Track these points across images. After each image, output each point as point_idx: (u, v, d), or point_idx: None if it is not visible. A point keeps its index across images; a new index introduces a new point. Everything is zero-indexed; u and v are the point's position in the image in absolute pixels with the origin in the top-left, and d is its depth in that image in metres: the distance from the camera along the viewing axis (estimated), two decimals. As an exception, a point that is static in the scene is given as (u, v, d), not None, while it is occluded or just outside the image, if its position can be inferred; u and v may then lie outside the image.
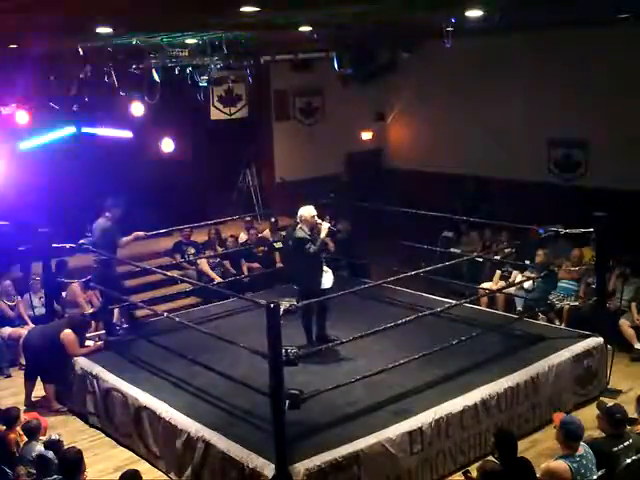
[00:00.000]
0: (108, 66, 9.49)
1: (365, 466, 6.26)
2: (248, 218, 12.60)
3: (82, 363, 8.29)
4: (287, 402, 6.19)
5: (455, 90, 13.65)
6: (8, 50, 8.51)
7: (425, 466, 6.71)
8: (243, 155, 14.47)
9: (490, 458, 5.74)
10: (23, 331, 9.48)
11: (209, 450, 6.52)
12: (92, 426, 8.06)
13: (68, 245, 9.36)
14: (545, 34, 11.54)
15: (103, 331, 9.40)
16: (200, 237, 12.31)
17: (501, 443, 5.56)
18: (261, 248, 12.22)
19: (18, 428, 6.82)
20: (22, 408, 8.24)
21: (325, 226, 8.04)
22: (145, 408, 7.27)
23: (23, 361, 9.17)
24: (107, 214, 8.99)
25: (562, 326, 9.51)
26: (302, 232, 8.02)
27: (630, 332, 9.37)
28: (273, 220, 12.76)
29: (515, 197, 12.55)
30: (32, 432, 6.61)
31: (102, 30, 7.43)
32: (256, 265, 12.00)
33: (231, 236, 12.36)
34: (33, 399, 8.63)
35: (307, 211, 8.07)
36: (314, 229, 8.04)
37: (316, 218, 8.06)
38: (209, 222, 11.47)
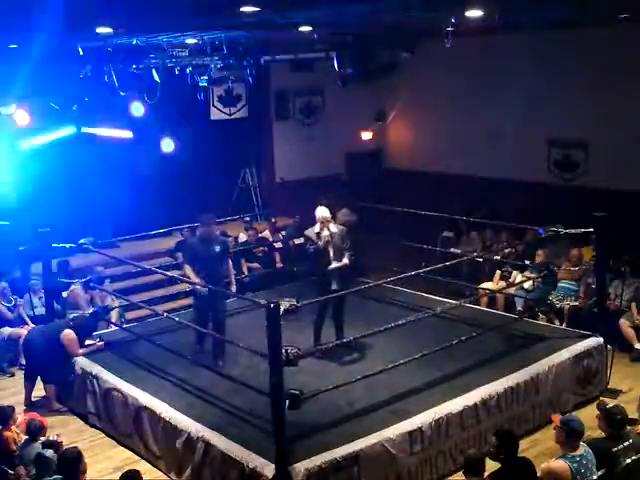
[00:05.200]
0: (108, 66, 9.49)
1: (365, 466, 6.26)
2: (248, 218, 12.60)
3: (82, 363, 8.29)
4: (287, 402, 6.20)
5: (455, 90, 13.65)
6: (8, 50, 8.52)
7: (425, 466, 6.71)
8: (243, 155, 14.47)
9: (472, 450, 5.76)
10: (23, 331, 9.47)
11: (209, 450, 6.52)
12: (92, 426, 8.06)
13: (68, 245, 9.35)
14: (545, 34, 11.54)
15: (103, 331, 9.41)
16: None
17: (502, 442, 5.56)
18: (261, 248, 12.22)
19: (14, 427, 6.83)
20: (22, 408, 8.28)
21: (325, 234, 8.08)
22: (145, 408, 7.27)
23: (23, 361, 9.17)
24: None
25: (562, 326, 9.51)
26: (311, 231, 8.16)
27: (630, 332, 9.37)
28: (272, 220, 12.75)
29: (515, 197, 12.55)
30: (34, 432, 6.61)
31: (102, 30, 7.45)
32: (256, 265, 12.00)
33: (228, 236, 12.34)
34: (33, 399, 8.63)
35: (320, 211, 8.21)
36: (323, 230, 8.11)
37: (325, 223, 8.12)
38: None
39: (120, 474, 5.57)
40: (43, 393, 8.62)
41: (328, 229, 8.12)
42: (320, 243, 8.02)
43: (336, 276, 8.11)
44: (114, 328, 9.59)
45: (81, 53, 9.17)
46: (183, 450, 6.79)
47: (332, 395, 6.92)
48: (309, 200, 8.68)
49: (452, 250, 11.69)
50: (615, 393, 8.22)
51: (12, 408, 7.00)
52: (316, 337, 8.14)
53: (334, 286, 8.02)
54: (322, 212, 8.20)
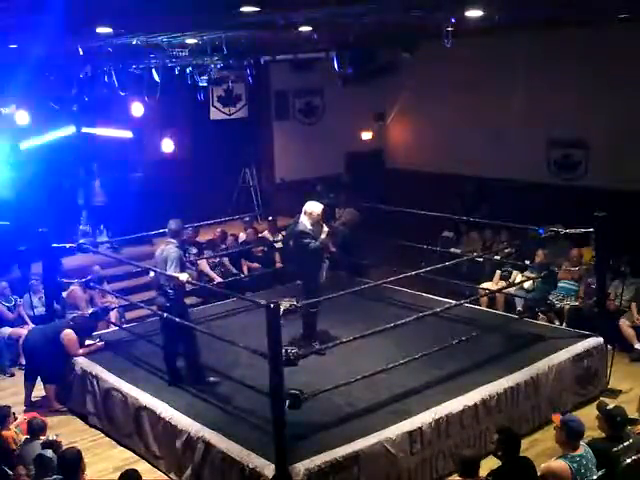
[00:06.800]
0: (108, 66, 9.48)
1: (365, 466, 6.26)
2: (248, 218, 12.61)
3: (82, 363, 8.29)
4: (287, 402, 6.20)
5: (455, 90, 13.64)
6: (8, 50, 8.51)
7: (425, 466, 6.71)
8: (243, 155, 14.47)
9: (466, 451, 5.75)
10: (23, 331, 9.48)
11: (209, 450, 6.53)
12: (92, 426, 8.06)
13: (68, 245, 9.35)
14: (545, 34, 11.54)
15: (103, 331, 9.41)
16: (202, 237, 12.29)
17: (505, 441, 5.56)
18: (260, 248, 12.22)
19: (13, 427, 6.83)
20: (22, 408, 8.28)
21: (325, 229, 8.11)
22: (145, 408, 7.27)
23: (23, 361, 9.17)
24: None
25: (562, 326, 9.51)
26: (304, 226, 8.07)
27: (630, 332, 9.37)
28: (270, 219, 12.75)
29: (515, 197, 12.55)
30: (36, 431, 6.61)
31: (102, 30, 7.43)
32: (256, 265, 11.98)
33: (231, 235, 12.37)
34: (33, 399, 8.63)
35: (316, 207, 8.12)
36: (315, 226, 8.07)
37: (320, 217, 8.12)
38: (210, 222, 11.47)
39: (120, 474, 5.58)
40: (43, 393, 8.62)
41: (320, 229, 8.11)
42: (323, 238, 8.04)
43: (326, 271, 8.21)
44: (114, 328, 9.60)
45: (81, 53, 9.15)
46: (183, 450, 6.79)
47: (332, 395, 6.92)
48: (310, 200, 8.66)
49: (452, 250, 11.69)
50: (615, 393, 8.22)
51: (8, 407, 7.00)
52: (313, 334, 8.14)
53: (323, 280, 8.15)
54: (318, 208, 8.14)
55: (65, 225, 11.48)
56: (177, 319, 7.49)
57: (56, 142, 11.08)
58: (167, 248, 7.66)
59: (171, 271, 7.43)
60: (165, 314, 7.60)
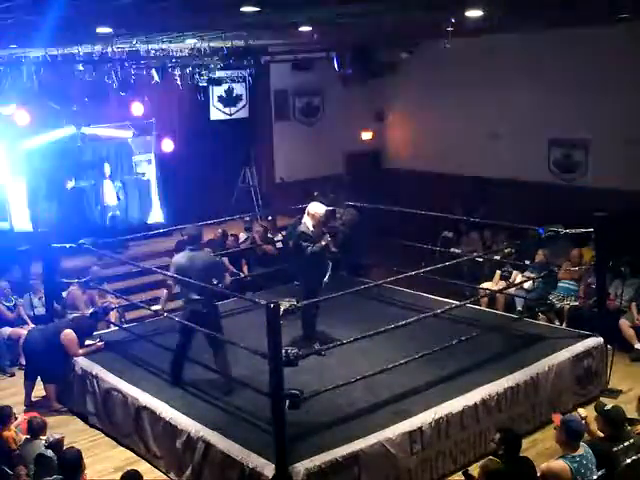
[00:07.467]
0: (108, 66, 9.50)
1: (365, 466, 6.26)
2: (248, 218, 12.61)
3: (82, 363, 8.29)
4: (287, 402, 6.20)
5: (455, 90, 13.65)
6: (8, 50, 8.52)
7: (425, 466, 6.71)
8: (243, 155, 14.47)
9: (492, 457, 5.74)
10: (23, 331, 9.47)
11: (209, 450, 6.52)
12: (92, 426, 8.06)
13: (68, 245, 9.35)
14: (545, 34, 11.55)
15: (103, 331, 9.41)
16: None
17: (506, 441, 5.56)
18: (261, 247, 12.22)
19: (13, 427, 6.83)
20: (22, 408, 8.28)
21: (327, 237, 8.13)
22: (145, 408, 7.27)
23: (23, 361, 9.17)
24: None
25: (562, 326, 9.51)
26: (305, 227, 8.07)
27: (630, 332, 9.37)
28: (270, 219, 12.74)
29: (515, 197, 12.55)
30: (36, 430, 6.61)
31: (102, 30, 7.45)
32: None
33: (231, 235, 12.37)
34: (33, 399, 8.62)
35: (319, 208, 8.12)
36: (317, 227, 8.07)
37: (323, 219, 8.13)
38: (210, 222, 11.46)
39: (120, 474, 5.59)
40: (43, 393, 8.62)
41: (322, 233, 8.10)
42: (324, 241, 8.05)
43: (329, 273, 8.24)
44: (114, 328, 9.59)
45: (81, 53, 9.18)
46: (183, 450, 6.78)
47: (332, 395, 6.91)
48: (309, 200, 8.68)
49: (452, 250, 11.70)
50: (615, 393, 8.21)
51: (10, 408, 7.00)
52: (313, 334, 8.15)
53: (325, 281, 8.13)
54: (322, 209, 8.15)
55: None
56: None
57: (60, 143, 11.08)
58: (202, 255, 7.55)
59: (228, 279, 7.43)
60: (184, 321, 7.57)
